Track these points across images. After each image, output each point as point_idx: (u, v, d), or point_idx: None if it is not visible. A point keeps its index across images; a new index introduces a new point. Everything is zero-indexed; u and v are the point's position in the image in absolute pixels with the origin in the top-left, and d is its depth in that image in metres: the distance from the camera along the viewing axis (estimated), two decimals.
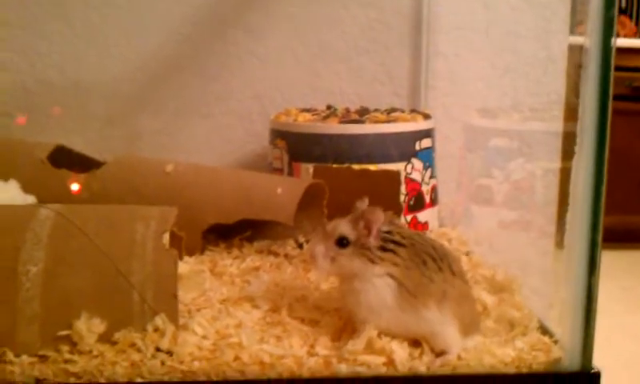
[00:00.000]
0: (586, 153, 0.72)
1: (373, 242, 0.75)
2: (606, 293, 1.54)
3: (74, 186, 1.14)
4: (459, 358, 0.74)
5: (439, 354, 0.74)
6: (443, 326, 0.74)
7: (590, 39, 0.70)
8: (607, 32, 0.69)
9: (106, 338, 0.71)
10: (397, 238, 0.76)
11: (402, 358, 0.72)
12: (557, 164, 1.28)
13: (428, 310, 0.73)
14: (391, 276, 0.74)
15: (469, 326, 0.76)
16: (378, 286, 0.74)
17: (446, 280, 0.75)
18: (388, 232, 0.76)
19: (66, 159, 1.22)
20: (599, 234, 0.73)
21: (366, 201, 0.79)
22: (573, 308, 0.74)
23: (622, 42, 2.23)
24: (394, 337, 0.75)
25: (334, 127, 1.17)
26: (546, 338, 0.78)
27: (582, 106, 0.72)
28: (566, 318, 0.75)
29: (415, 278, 0.74)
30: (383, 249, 0.75)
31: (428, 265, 0.74)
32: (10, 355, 0.70)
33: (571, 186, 0.75)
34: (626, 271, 1.72)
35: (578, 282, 0.73)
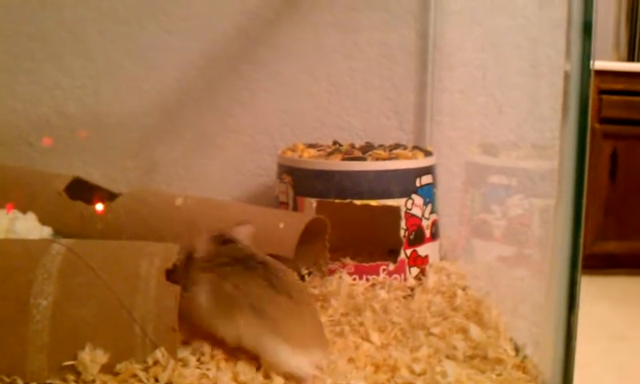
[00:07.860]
0: (565, 188, 0.75)
1: None
2: (624, 318, 1.55)
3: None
4: None
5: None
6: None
7: (569, 63, 0.74)
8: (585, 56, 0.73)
9: (108, 369, 0.76)
10: None
11: None
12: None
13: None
14: None
15: (301, 341, 0.81)
16: None
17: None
18: None
19: (82, 191, 1.28)
20: (578, 273, 0.75)
21: None
22: (553, 345, 0.77)
23: None
24: None
25: (336, 164, 1.21)
26: (526, 376, 0.81)
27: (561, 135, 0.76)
28: (547, 354, 0.78)
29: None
30: None
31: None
32: (20, 383, 0.75)
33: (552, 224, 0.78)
34: None
35: (558, 319, 0.76)
